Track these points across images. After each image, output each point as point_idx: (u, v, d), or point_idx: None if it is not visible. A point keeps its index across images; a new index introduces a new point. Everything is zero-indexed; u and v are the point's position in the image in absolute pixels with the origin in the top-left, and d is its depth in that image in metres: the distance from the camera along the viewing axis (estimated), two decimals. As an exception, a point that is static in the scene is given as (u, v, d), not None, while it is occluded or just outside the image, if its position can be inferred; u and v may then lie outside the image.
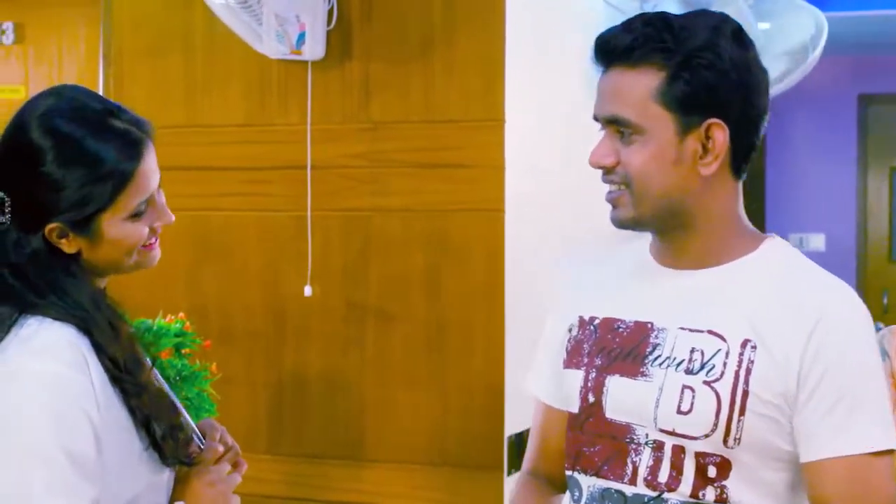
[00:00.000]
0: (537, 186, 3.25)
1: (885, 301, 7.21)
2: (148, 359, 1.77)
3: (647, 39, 1.65)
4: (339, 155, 3.19)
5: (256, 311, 3.28)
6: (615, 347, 1.73)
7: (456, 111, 3.09)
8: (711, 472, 1.64)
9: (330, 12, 3.13)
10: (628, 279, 1.79)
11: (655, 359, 1.68)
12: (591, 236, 3.61)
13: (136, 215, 1.69)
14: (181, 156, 3.31)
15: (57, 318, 1.63)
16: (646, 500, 1.67)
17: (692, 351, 1.66)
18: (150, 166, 1.70)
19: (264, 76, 3.25)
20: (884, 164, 7.60)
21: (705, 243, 1.71)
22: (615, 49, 1.67)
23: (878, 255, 7.59)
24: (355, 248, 3.19)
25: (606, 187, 1.74)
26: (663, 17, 1.68)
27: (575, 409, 1.76)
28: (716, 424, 1.62)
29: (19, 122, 1.68)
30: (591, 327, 1.78)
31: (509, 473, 3.06)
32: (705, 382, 1.63)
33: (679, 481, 1.65)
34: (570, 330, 1.82)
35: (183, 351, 2.78)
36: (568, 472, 1.78)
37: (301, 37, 3.07)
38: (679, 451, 1.65)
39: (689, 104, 1.64)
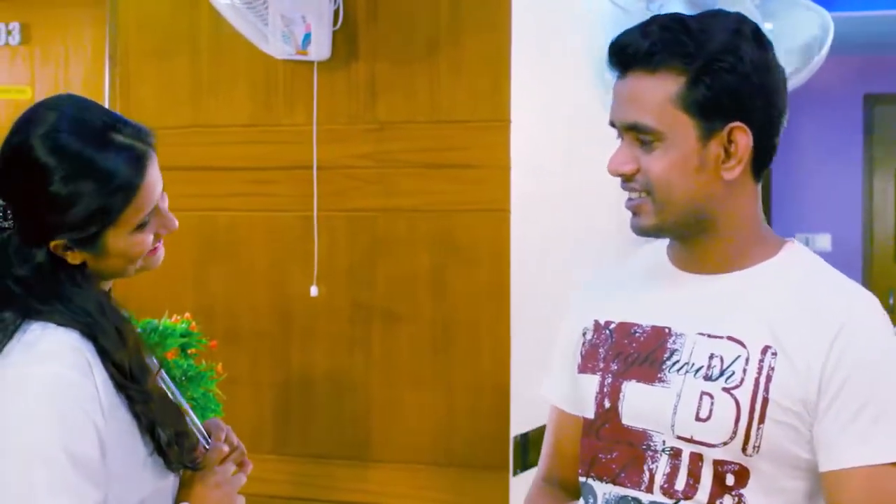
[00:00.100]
0: (543, 186, 3.24)
1: (892, 301, 7.19)
2: (156, 360, 1.77)
3: (666, 44, 1.61)
4: (345, 155, 3.19)
5: (262, 311, 3.28)
6: (632, 352, 1.70)
7: (462, 111, 3.09)
8: (730, 480, 1.61)
9: (336, 13, 3.13)
10: (645, 283, 1.76)
11: (673, 364, 1.66)
12: (597, 236, 3.62)
13: (140, 226, 1.69)
14: (187, 156, 3.31)
15: (61, 323, 1.62)
16: None
17: (711, 357, 1.63)
18: (154, 178, 1.69)
19: (270, 77, 3.26)
20: (890, 164, 7.59)
21: (727, 248, 1.68)
22: (634, 54, 1.63)
23: (885, 255, 7.58)
24: (361, 248, 3.19)
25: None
26: (679, 19, 1.64)
27: (590, 415, 1.73)
28: (735, 432, 1.59)
29: (22, 140, 1.64)
30: (607, 331, 1.75)
31: (515, 474, 3.06)
32: (724, 389, 1.61)
33: (696, 489, 1.62)
34: (584, 334, 1.79)
35: (189, 351, 2.78)
36: (582, 479, 1.75)
37: (307, 37, 3.07)
38: (697, 459, 1.62)
39: (710, 109, 1.61)
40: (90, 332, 1.63)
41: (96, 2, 3.98)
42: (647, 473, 1.65)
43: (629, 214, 1.71)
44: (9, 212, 1.66)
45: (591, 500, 1.72)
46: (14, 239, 1.66)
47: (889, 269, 7.51)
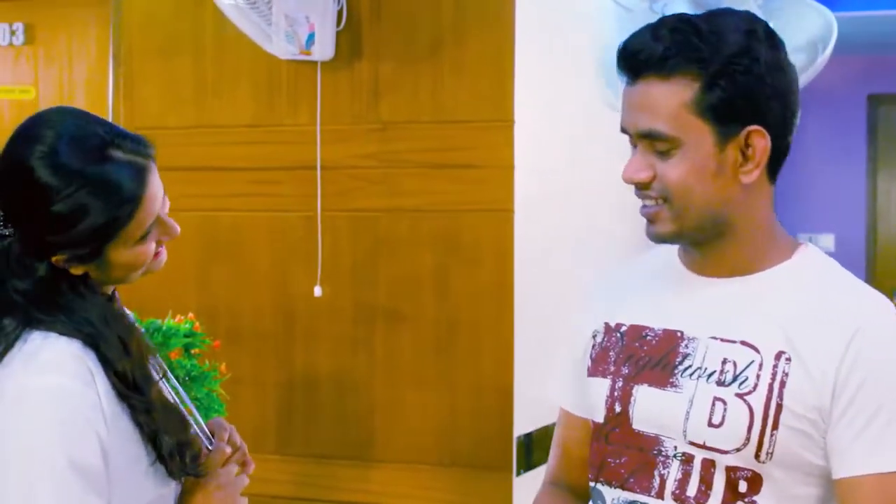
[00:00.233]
0: (547, 186, 3.24)
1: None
2: (161, 362, 1.76)
3: (679, 48, 1.57)
4: (349, 155, 3.19)
5: (266, 311, 3.28)
6: (643, 356, 1.68)
7: (465, 111, 3.09)
8: (742, 486, 1.59)
9: (339, 13, 3.13)
10: (656, 285, 1.73)
11: (685, 369, 1.63)
12: (601, 236, 3.62)
13: (142, 237, 1.67)
14: (191, 156, 3.31)
15: (63, 333, 1.61)
16: None
17: (724, 362, 1.61)
18: (155, 190, 1.66)
19: (274, 77, 3.26)
20: (894, 164, 7.59)
21: (742, 251, 1.65)
22: (647, 60, 1.59)
23: (888, 255, 7.57)
24: (365, 248, 3.19)
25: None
26: (689, 21, 1.61)
27: (600, 419, 1.71)
28: (748, 438, 1.57)
29: (20, 161, 1.61)
30: (618, 334, 1.73)
31: (518, 474, 3.06)
32: (738, 395, 1.58)
33: (708, 496, 1.60)
34: (594, 337, 1.77)
35: (192, 351, 2.79)
36: (591, 483, 1.73)
37: (310, 37, 3.07)
38: (709, 465, 1.60)
39: (727, 113, 1.58)
40: (92, 342, 1.62)
41: (100, 2, 3.99)
42: (657, 479, 1.64)
43: (636, 216, 1.69)
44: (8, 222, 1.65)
45: None
46: (15, 247, 1.64)
47: (893, 269, 7.50)
